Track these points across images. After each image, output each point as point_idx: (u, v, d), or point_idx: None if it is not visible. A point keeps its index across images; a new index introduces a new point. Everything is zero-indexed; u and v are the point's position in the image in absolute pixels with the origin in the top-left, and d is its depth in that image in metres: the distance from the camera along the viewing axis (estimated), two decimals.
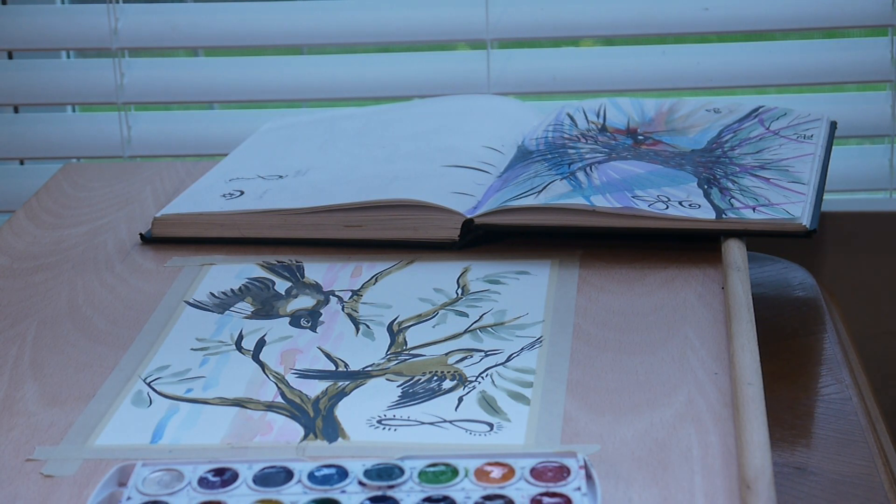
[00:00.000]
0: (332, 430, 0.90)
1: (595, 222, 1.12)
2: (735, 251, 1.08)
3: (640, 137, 1.27)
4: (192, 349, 1.01)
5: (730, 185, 1.15)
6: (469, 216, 1.15)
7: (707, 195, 1.14)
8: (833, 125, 1.28)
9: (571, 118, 1.31)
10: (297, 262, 1.14)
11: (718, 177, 1.17)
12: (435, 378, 0.96)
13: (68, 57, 1.70)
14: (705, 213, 1.11)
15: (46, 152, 1.64)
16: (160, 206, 1.25)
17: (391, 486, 0.82)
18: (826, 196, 1.18)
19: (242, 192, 1.22)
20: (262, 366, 0.98)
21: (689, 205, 1.12)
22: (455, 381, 0.95)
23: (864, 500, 0.89)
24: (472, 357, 0.98)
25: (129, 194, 1.29)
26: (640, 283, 1.08)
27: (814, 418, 0.99)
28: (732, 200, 1.13)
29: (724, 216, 1.11)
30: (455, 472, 0.83)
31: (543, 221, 1.13)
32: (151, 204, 1.27)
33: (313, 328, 1.03)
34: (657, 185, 1.15)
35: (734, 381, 0.92)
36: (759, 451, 0.84)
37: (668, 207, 1.11)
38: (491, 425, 0.90)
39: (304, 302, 1.07)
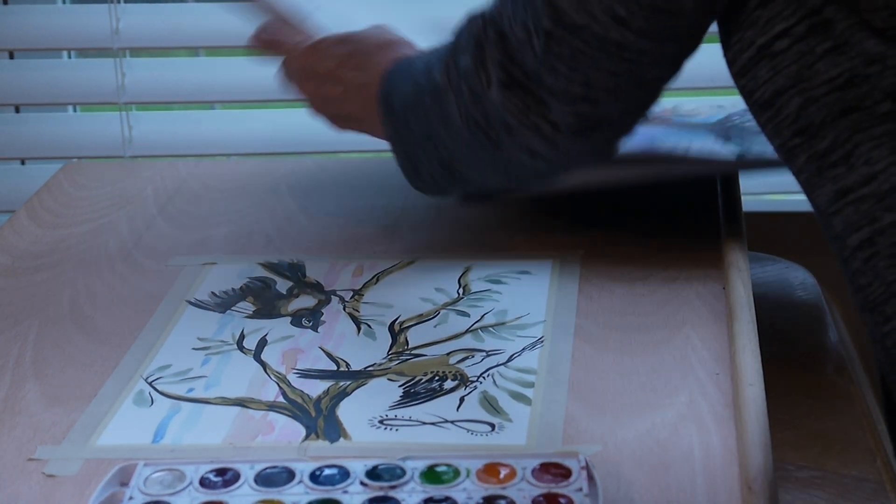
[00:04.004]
0: (333, 430, 0.90)
1: (617, 176, 1.11)
2: (736, 251, 1.08)
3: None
4: (193, 349, 1.01)
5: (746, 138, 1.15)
6: None
7: (727, 141, 1.14)
8: None
9: None
10: (298, 261, 1.14)
11: (733, 136, 1.17)
12: (436, 378, 0.96)
13: (69, 57, 1.69)
14: (727, 155, 1.11)
15: (47, 152, 1.64)
16: (161, 206, 1.25)
17: (393, 487, 0.82)
18: None
19: None
20: (264, 365, 0.98)
21: (710, 150, 1.12)
22: (456, 381, 0.95)
23: (865, 500, 0.89)
24: (473, 357, 0.98)
25: (131, 194, 1.29)
26: (642, 283, 1.08)
27: (815, 418, 0.99)
28: (751, 146, 1.13)
29: (744, 156, 1.11)
30: (457, 472, 0.83)
31: (564, 184, 1.10)
32: (153, 203, 1.27)
33: (315, 328, 1.03)
34: (677, 138, 1.14)
35: (735, 382, 0.92)
36: (761, 451, 0.84)
37: (688, 152, 1.11)
38: (492, 425, 0.90)
39: (306, 301, 1.07)
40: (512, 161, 1.00)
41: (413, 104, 1.04)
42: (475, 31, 0.98)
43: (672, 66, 0.94)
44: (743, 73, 0.89)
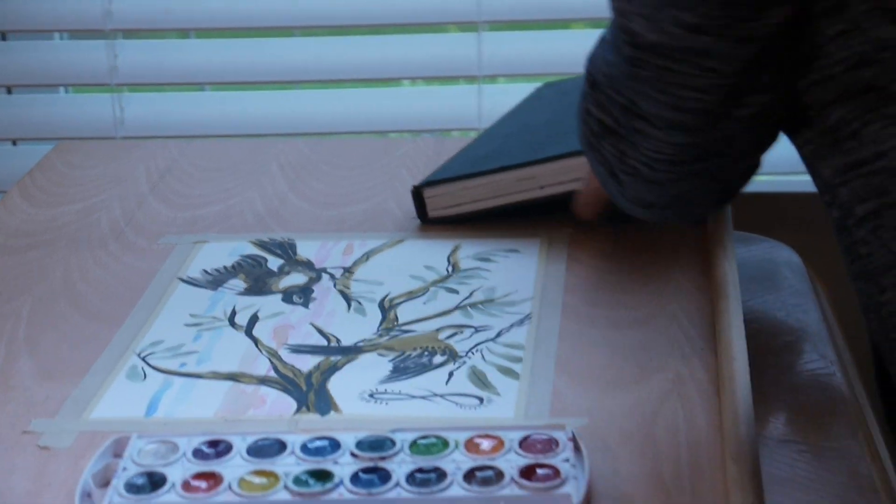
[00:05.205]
0: (324, 404, 0.91)
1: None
2: (722, 230, 1.09)
3: None
4: (185, 325, 1.02)
5: None
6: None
7: None
8: None
9: None
10: (289, 239, 1.15)
11: None
12: (426, 353, 0.97)
13: (61, 38, 1.70)
14: None
15: (39, 133, 1.65)
16: (153, 185, 1.26)
17: (383, 458, 0.83)
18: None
19: None
20: (256, 341, 0.99)
21: None
22: (446, 357, 0.96)
23: (846, 471, 0.90)
24: (462, 333, 0.99)
25: (123, 173, 1.30)
26: (629, 260, 1.09)
27: (798, 393, 1.00)
28: None
29: None
30: (446, 443, 0.84)
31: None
32: (144, 182, 1.27)
33: (305, 304, 1.04)
34: None
35: (720, 357, 0.93)
36: (744, 425, 0.85)
37: None
38: (481, 399, 0.91)
39: (297, 279, 1.08)
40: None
41: None
42: (582, 83, 0.97)
43: (754, 75, 0.88)
44: None
